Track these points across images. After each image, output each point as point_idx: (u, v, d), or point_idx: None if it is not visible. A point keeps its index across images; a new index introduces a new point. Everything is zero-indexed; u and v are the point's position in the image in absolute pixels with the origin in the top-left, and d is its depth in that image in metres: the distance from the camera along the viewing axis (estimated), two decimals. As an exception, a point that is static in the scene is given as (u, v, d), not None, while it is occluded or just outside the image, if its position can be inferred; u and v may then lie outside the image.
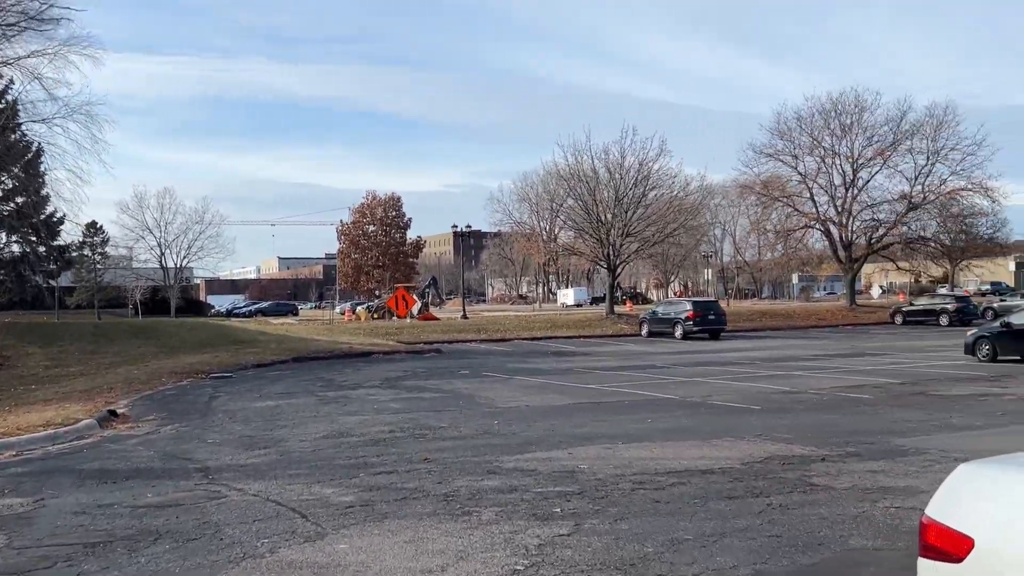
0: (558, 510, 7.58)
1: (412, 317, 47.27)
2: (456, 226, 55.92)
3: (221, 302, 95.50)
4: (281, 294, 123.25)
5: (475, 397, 17.02)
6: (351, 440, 11.93)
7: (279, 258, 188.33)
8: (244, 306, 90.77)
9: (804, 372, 21.09)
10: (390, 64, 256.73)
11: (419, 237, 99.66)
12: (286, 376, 22.23)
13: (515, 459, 10.11)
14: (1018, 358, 22.00)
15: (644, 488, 8.39)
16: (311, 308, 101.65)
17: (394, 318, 48.70)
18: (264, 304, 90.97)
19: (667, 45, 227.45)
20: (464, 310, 54.86)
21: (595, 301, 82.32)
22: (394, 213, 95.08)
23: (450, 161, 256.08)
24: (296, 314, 78.37)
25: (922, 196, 51.80)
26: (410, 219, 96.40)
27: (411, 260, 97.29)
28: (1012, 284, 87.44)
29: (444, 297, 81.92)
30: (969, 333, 23.92)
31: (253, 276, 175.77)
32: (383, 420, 13.84)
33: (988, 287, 79.18)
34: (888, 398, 15.65)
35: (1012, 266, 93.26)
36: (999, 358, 22.18)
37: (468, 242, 71.63)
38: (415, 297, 51.63)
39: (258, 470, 9.90)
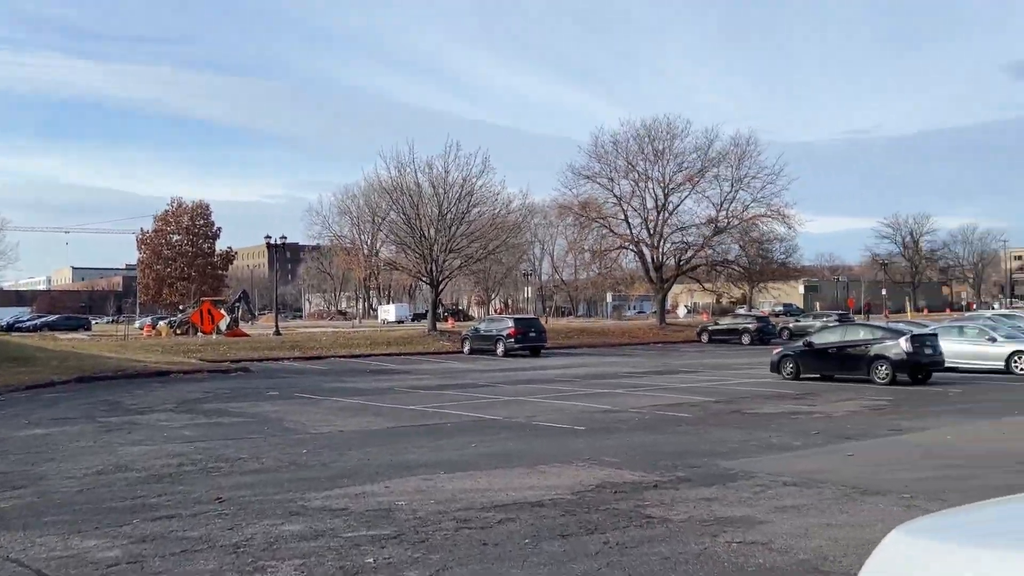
0: (371, 560, 6.52)
1: (219, 333, 44.20)
2: (270, 237, 53.11)
3: (1, 315, 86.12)
4: (74, 306, 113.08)
5: (283, 421, 15.55)
6: (130, 476, 10.26)
7: (73, 268, 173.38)
8: (28, 319, 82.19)
9: (623, 390, 21.08)
10: (204, 68, 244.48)
11: (230, 248, 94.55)
12: (65, 399, 19.64)
13: (324, 496, 8.92)
14: (818, 376, 23.11)
15: (470, 527, 7.48)
16: (107, 322, 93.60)
17: (199, 334, 45.36)
18: (52, 317, 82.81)
19: (492, 69, 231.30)
20: (277, 326, 52.14)
21: (417, 317, 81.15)
22: (202, 222, 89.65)
23: (267, 171, 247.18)
24: (89, 328, 71.81)
25: (726, 221, 54.76)
26: (220, 229, 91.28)
27: (221, 272, 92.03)
28: (802, 306, 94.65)
29: (256, 312, 77.87)
30: (775, 352, 24.94)
31: (43, 287, 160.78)
32: (172, 451, 12.16)
33: (781, 308, 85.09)
34: (707, 416, 15.69)
35: (802, 289, 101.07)
36: (802, 376, 23.21)
37: (284, 255, 68.53)
38: (223, 312, 48.38)
39: (3, 519, 8.13)
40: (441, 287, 50.06)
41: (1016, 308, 74.67)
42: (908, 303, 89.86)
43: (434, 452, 11.83)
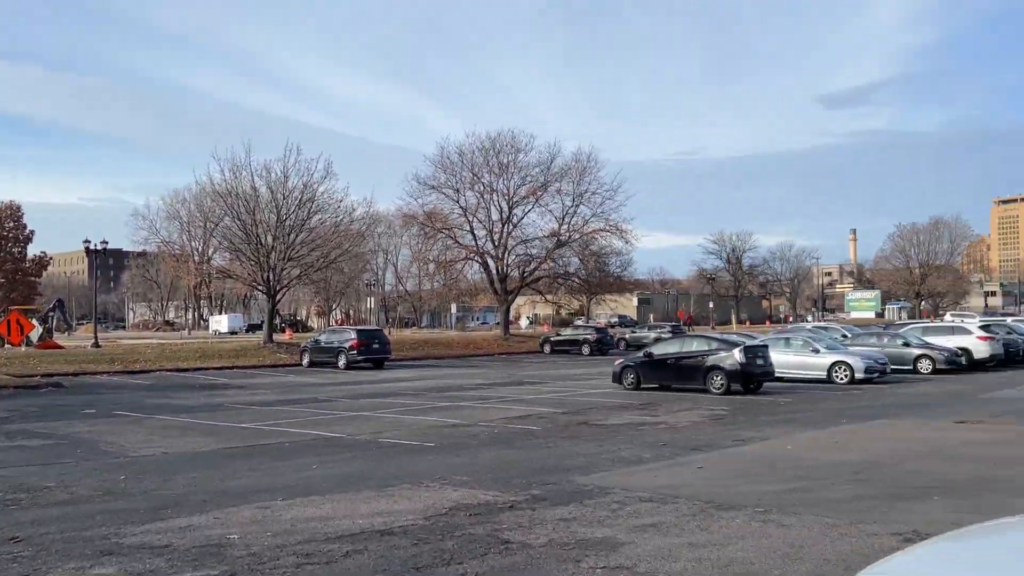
0: (198, 608, 5.70)
1: (29, 345, 40.36)
2: (89, 241, 49.13)
3: None
4: None
5: (99, 443, 14.06)
6: (-95, 515, 8.77)
7: None
8: None
9: (471, 403, 20.70)
10: (16, 60, 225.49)
11: (43, 253, 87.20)
12: None
13: (143, 530, 7.91)
14: (657, 386, 23.63)
15: (312, 563, 6.77)
16: None
17: (5, 346, 41.26)
18: None
19: (337, 79, 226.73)
20: (96, 337, 48.29)
21: (252, 328, 77.70)
22: (12, 224, 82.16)
23: (89, 172, 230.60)
24: None
25: (568, 234, 55.82)
26: (32, 232, 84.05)
27: (33, 279, 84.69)
28: (636, 317, 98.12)
29: (73, 322, 72.08)
30: (616, 363, 25.33)
31: None
32: (-38, 482, 10.60)
33: (617, 320, 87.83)
34: (556, 429, 15.53)
35: (636, 301, 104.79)
36: (643, 386, 23.66)
37: (106, 261, 63.72)
38: (34, 322, 44.24)
39: None
40: (278, 297, 47.98)
41: (828, 320, 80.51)
42: (733, 315, 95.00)
43: (271, 476, 10.93)
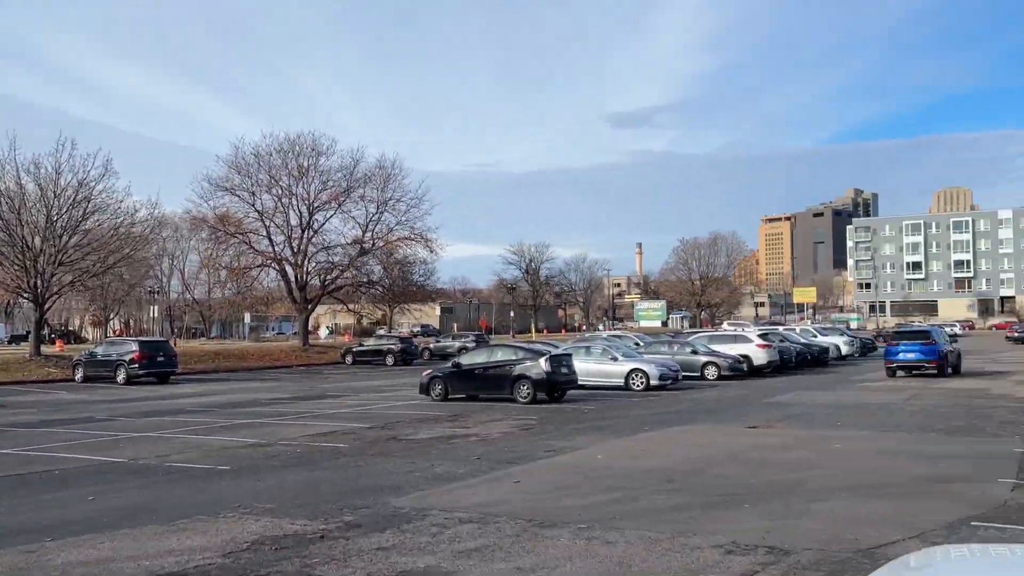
0: None
1: None
2: None
3: None
4: None
5: None
6: None
7: None
8: None
9: (269, 420, 19.48)
10: None
11: None
12: None
13: None
14: (465, 396, 23.43)
15: (90, 620, 5.78)
16: None
17: None
18: None
19: (116, 69, 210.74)
20: None
21: (16, 340, 69.98)
22: None
23: None
24: None
25: (372, 242, 54.76)
26: None
27: None
28: (438, 327, 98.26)
29: None
30: (424, 373, 24.87)
31: None
32: None
33: (420, 329, 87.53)
34: (364, 446, 14.83)
35: (439, 310, 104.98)
36: (450, 397, 23.37)
37: None
38: None
39: None
40: (48, 305, 43.44)
41: (619, 329, 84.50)
42: (532, 324, 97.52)
43: (38, 511, 9.51)
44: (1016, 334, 67.56)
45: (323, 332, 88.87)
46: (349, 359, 47.41)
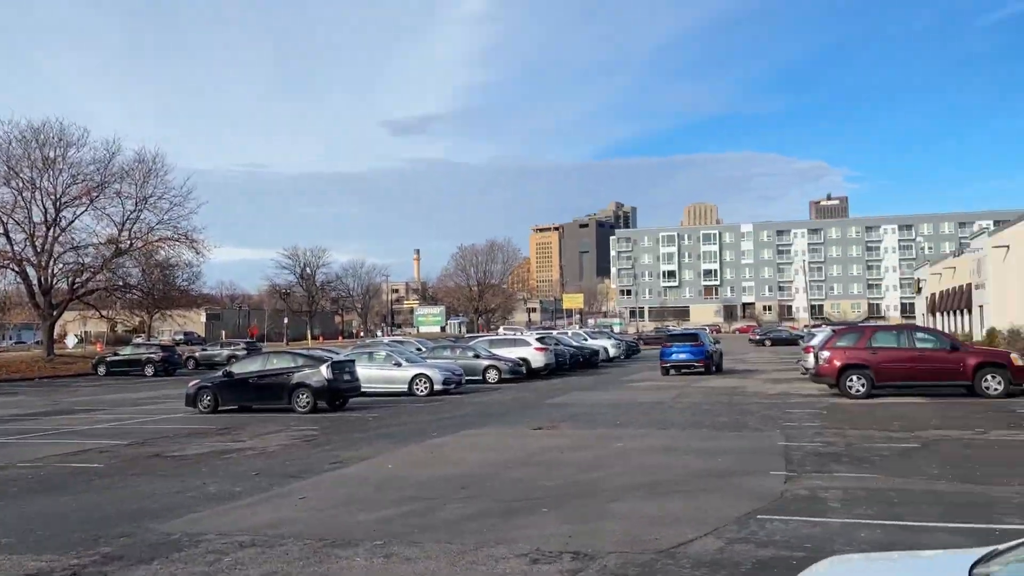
0: None
1: None
2: None
3: None
4: None
5: None
6: None
7: None
8: None
9: (7, 438, 17.07)
10: None
11: None
12: None
13: None
14: (238, 407, 21.94)
15: None
16: None
17: None
18: None
19: None
20: None
21: None
22: None
23: None
24: None
25: (129, 242, 50.36)
26: None
27: None
28: (204, 334, 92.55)
29: None
30: (191, 384, 23.01)
31: None
32: None
33: (183, 337, 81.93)
34: (123, 465, 13.28)
35: (204, 317, 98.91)
36: (220, 408, 21.79)
37: None
38: None
39: None
40: None
41: (398, 335, 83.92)
42: (308, 331, 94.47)
43: None
44: (758, 336, 74.97)
45: (70, 341, 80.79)
46: (102, 370, 43.27)
